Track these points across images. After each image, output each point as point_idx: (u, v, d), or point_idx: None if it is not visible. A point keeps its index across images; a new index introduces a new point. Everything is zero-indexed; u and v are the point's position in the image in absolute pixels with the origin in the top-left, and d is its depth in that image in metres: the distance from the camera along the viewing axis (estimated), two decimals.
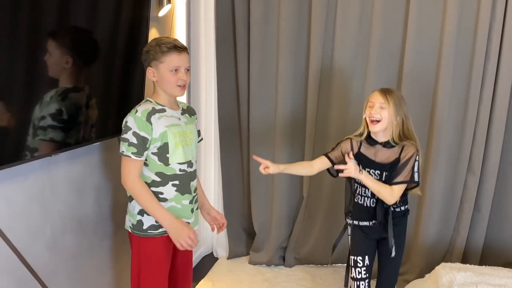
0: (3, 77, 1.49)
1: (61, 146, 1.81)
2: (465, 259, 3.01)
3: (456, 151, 2.97)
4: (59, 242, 1.95)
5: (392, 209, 2.19)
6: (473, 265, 2.45)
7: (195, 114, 2.16)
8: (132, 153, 1.84)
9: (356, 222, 2.29)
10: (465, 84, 2.90)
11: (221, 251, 3.63)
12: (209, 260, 3.58)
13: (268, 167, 2.23)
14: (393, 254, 2.17)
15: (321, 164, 2.34)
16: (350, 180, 2.30)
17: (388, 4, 2.94)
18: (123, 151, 1.86)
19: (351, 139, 2.28)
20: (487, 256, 3.02)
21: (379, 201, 2.18)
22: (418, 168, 2.13)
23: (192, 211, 2.02)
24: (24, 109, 1.61)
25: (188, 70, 1.95)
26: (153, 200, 1.89)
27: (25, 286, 1.76)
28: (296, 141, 3.31)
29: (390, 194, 2.11)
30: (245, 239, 3.64)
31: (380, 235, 2.24)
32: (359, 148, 2.23)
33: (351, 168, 2.07)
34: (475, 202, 2.98)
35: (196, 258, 3.49)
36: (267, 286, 3.17)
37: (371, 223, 2.24)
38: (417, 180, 2.13)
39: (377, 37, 2.99)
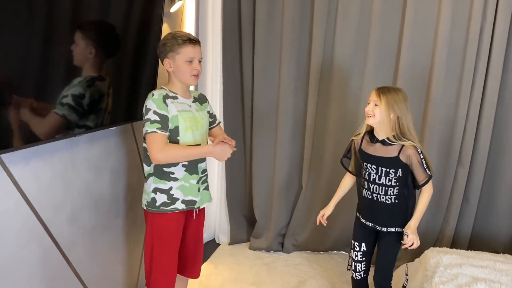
0: (38, 66, 1.66)
1: (82, 128, 1.98)
2: (453, 247, 3.19)
3: (447, 145, 3.15)
4: (78, 217, 2.13)
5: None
6: (459, 250, 2.63)
7: (207, 102, 2.33)
8: (157, 128, 1.98)
9: (358, 214, 2.47)
10: (456, 82, 3.07)
11: (223, 237, 3.80)
12: (212, 245, 3.76)
13: (323, 215, 2.53)
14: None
15: (351, 178, 2.52)
16: (358, 176, 2.44)
17: (386, 6, 3.12)
18: (147, 130, 1.99)
19: (353, 140, 2.45)
20: (474, 244, 3.19)
21: (377, 201, 2.32)
22: (426, 164, 2.23)
23: (198, 190, 2.19)
24: (54, 93, 1.78)
25: (200, 61, 2.12)
26: (189, 149, 2.04)
27: (49, 255, 1.94)
28: (296, 133, 3.49)
29: (428, 196, 2.27)
30: (246, 226, 3.82)
31: (376, 228, 2.39)
32: (360, 145, 2.40)
33: (414, 240, 2.19)
34: (464, 193, 3.16)
35: None
36: (265, 269, 3.35)
37: (367, 222, 2.38)
38: (430, 174, 2.24)
39: (375, 38, 3.17)
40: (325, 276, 3.26)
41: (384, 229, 2.32)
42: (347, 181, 2.56)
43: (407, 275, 2.46)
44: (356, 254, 2.46)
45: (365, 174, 2.35)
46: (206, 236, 3.81)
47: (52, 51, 1.73)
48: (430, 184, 2.27)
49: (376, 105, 2.25)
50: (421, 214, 2.26)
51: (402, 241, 2.25)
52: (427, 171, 2.24)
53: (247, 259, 3.50)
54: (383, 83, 3.16)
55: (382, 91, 2.27)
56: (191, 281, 3.08)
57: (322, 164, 3.48)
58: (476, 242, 3.21)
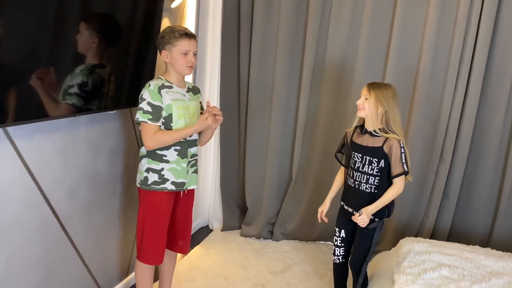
0: (46, 52, 1.86)
1: (82, 110, 2.17)
2: (433, 239, 3.34)
3: (430, 142, 3.31)
4: (76, 192, 2.32)
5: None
6: (431, 239, 2.79)
7: (199, 93, 2.52)
8: (148, 119, 2.20)
9: (341, 203, 2.64)
10: (441, 83, 3.23)
11: (216, 224, 3.99)
12: (205, 231, 3.95)
13: (322, 212, 2.70)
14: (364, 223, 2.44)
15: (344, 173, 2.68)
16: (347, 167, 2.60)
17: (377, 8, 3.29)
18: (138, 118, 2.21)
19: (347, 132, 2.62)
20: (453, 238, 3.35)
21: (359, 189, 2.48)
22: (405, 159, 2.40)
23: (187, 172, 2.38)
24: (58, 76, 1.97)
25: (195, 54, 2.31)
26: (174, 133, 2.24)
27: (47, 223, 2.13)
28: (288, 127, 3.66)
29: (396, 191, 2.41)
30: (238, 214, 4.00)
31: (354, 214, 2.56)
32: (352, 136, 2.56)
33: (364, 221, 2.38)
34: (444, 189, 3.32)
35: (193, 228, 3.85)
36: (254, 254, 3.53)
37: (348, 208, 2.54)
38: (406, 170, 2.40)
39: (365, 38, 3.34)
40: (310, 263, 3.43)
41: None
42: (341, 177, 2.69)
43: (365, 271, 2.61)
44: (336, 239, 2.65)
45: (351, 162, 2.52)
46: (200, 222, 4.01)
47: (59, 39, 1.93)
48: (402, 180, 2.41)
49: (366, 98, 2.43)
50: (381, 204, 2.40)
51: (354, 214, 2.43)
52: (404, 166, 2.38)
53: (237, 245, 3.68)
54: (371, 81, 3.32)
55: (373, 86, 2.45)
56: (181, 261, 3.28)
57: (312, 156, 3.65)
58: (455, 236, 3.36)
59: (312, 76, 3.51)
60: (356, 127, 2.56)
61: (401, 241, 2.80)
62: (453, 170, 3.29)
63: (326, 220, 2.71)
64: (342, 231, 2.62)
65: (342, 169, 2.69)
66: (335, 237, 2.66)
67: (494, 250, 2.70)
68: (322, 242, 3.84)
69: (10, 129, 1.83)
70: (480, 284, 2.21)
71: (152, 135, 2.21)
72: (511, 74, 3.10)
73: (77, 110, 2.13)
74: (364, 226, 2.39)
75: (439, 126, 3.26)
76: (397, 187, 2.42)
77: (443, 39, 3.19)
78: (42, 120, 1.93)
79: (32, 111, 1.86)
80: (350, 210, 2.53)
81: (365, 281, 2.60)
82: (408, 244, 2.67)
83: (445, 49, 3.19)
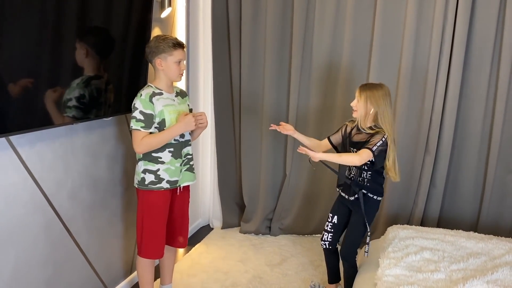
0: (48, 69, 2.03)
1: (84, 119, 2.35)
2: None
3: (415, 134, 3.45)
4: (78, 195, 2.49)
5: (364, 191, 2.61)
6: (415, 226, 2.93)
7: (187, 96, 2.69)
8: (141, 126, 2.37)
9: (338, 189, 2.80)
10: (422, 77, 3.37)
11: (216, 222, 4.15)
12: (206, 230, 4.11)
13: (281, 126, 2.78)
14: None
15: (325, 145, 2.83)
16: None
17: (358, 8, 3.44)
18: (132, 126, 2.39)
19: (346, 124, 2.77)
20: (442, 224, 3.48)
21: (354, 180, 2.63)
22: (378, 147, 2.47)
23: (180, 171, 2.55)
24: (57, 88, 2.14)
25: (184, 62, 2.49)
26: (160, 136, 2.39)
27: (51, 224, 2.30)
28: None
29: (352, 158, 2.48)
30: (237, 211, 4.16)
31: (351, 207, 2.71)
32: (350, 131, 2.71)
33: (309, 153, 2.48)
34: (431, 179, 3.45)
35: (194, 228, 4.03)
36: (253, 249, 3.68)
37: (345, 195, 2.71)
38: (373, 150, 2.45)
39: (349, 38, 3.50)
40: (306, 255, 3.58)
41: (352, 198, 2.62)
42: (319, 142, 2.82)
43: (366, 251, 2.75)
44: (327, 224, 2.81)
45: None
46: (201, 222, 4.17)
47: (57, 54, 2.11)
48: (364, 154, 2.44)
49: (357, 100, 2.59)
50: (334, 159, 2.48)
51: (350, 200, 2.60)
52: (374, 148, 2.45)
53: (237, 241, 3.84)
54: (357, 79, 3.49)
55: (363, 88, 2.60)
56: (183, 259, 3.44)
57: (304, 154, 3.79)
58: (444, 223, 3.50)
59: (300, 75, 3.66)
60: (356, 124, 2.69)
61: (388, 228, 2.94)
62: (439, 159, 3.42)
63: (274, 127, 2.80)
64: (335, 217, 2.78)
65: (325, 142, 2.82)
66: (327, 222, 2.81)
67: (476, 233, 2.83)
68: (319, 235, 3.97)
69: (12, 138, 2.00)
70: (458, 264, 2.35)
71: (140, 141, 2.38)
72: (488, 65, 3.24)
73: (75, 119, 2.29)
74: (312, 157, 2.48)
75: (423, 118, 3.40)
76: (357, 155, 2.47)
77: (422, 35, 3.33)
78: (42, 128, 2.10)
79: (32, 121, 2.03)
80: (346, 196, 2.69)
81: (355, 270, 2.74)
82: (394, 231, 2.81)
83: (425, 45, 3.34)
